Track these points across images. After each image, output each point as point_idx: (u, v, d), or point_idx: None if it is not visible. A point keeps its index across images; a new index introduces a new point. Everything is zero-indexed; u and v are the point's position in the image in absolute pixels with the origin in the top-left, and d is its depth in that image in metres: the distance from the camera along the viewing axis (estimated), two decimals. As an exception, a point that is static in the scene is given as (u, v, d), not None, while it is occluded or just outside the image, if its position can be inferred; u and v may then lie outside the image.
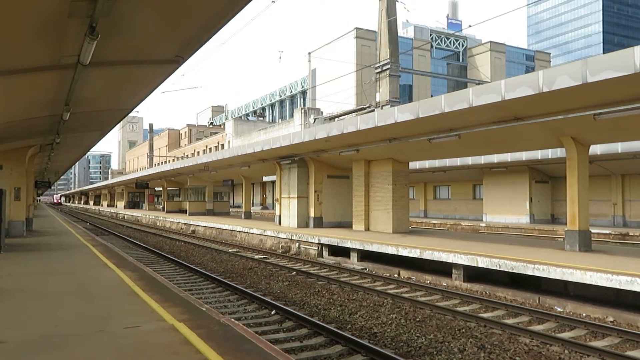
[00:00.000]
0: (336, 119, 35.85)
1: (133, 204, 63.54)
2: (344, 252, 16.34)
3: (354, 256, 15.80)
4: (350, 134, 16.54)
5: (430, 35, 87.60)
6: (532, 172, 28.91)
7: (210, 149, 73.59)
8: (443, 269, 12.73)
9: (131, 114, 16.88)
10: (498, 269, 11.08)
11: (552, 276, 9.97)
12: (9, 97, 9.70)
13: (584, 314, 9.36)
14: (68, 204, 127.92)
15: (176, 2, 5.75)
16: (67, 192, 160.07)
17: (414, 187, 37.86)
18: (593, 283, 9.23)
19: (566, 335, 8.10)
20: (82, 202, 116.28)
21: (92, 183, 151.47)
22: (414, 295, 11.14)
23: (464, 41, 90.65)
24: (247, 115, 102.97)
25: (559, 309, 9.77)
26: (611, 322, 8.84)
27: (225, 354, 4.91)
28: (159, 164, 77.10)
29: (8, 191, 17.21)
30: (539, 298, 10.37)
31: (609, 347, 7.43)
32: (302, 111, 48.31)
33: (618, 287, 8.83)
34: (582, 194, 12.99)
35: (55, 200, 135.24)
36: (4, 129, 13.22)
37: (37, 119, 12.80)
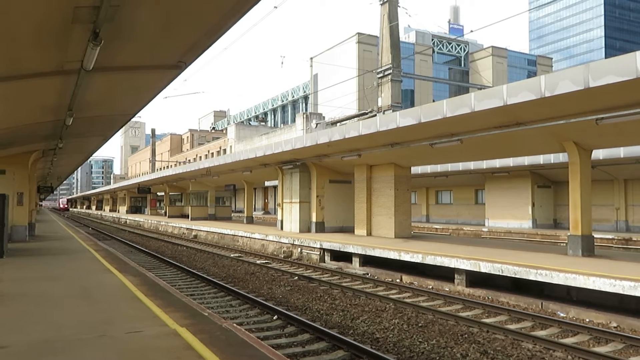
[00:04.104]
0: (338, 124, 35.92)
1: (135, 209, 63.60)
2: (346, 257, 16.31)
3: (356, 261, 15.78)
4: (352, 139, 16.56)
5: (432, 40, 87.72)
6: (535, 177, 28.87)
7: (213, 153, 73.68)
8: (445, 274, 12.69)
9: (134, 119, 16.94)
10: (500, 274, 11.05)
11: (555, 281, 9.93)
12: (13, 102, 9.75)
13: (587, 320, 9.32)
14: (70, 209, 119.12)
15: (179, 8, 5.78)
16: (70, 196, 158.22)
17: (416, 192, 37.83)
18: (596, 288, 9.19)
19: (569, 340, 8.06)
20: (85, 207, 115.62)
21: (94, 188, 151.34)
22: (416, 301, 11.11)
23: (465, 46, 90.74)
24: (249, 120, 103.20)
25: (562, 315, 9.74)
26: (615, 327, 8.80)
27: (228, 359, 4.90)
28: (161, 168, 77.34)
29: (11, 196, 17.24)
30: (541, 303, 10.33)
31: (612, 353, 7.38)
32: (304, 116, 48.38)
33: (621, 292, 8.79)
34: (585, 199, 12.96)
35: (60, 206, 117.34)
36: (7, 134, 13.28)
37: (40, 124, 12.85)
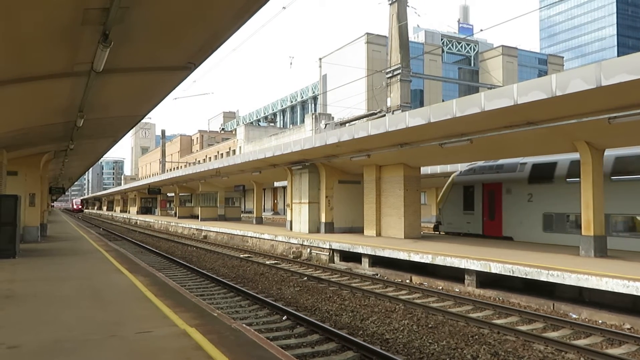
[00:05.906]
0: (347, 124, 35.85)
1: (145, 210, 64.04)
2: (355, 257, 16.28)
3: (365, 262, 15.74)
4: (361, 139, 16.51)
5: (442, 39, 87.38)
6: (546, 177, 28.53)
7: (222, 154, 73.99)
8: (455, 274, 12.62)
9: (144, 120, 17.03)
10: (511, 274, 10.95)
11: (567, 282, 9.82)
12: (24, 104, 9.85)
13: (600, 321, 9.21)
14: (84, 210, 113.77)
15: (188, 9, 5.80)
16: (81, 197, 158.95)
17: (426, 192, 37.66)
18: (609, 290, 9.07)
19: (582, 342, 7.97)
20: (96, 207, 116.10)
21: (105, 189, 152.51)
22: (426, 301, 11.05)
23: (475, 45, 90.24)
24: (259, 121, 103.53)
25: (574, 316, 9.63)
26: (628, 329, 8.68)
27: (237, 360, 4.90)
28: (171, 169, 77.76)
29: (23, 197, 17.43)
30: (553, 304, 10.23)
31: (626, 355, 7.29)
32: (313, 117, 48.41)
33: (635, 293, 8.67)
34: (597, 199, 12.82)
35: (74, 207, 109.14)
36: (19, 136, 13.41)
37: (51, 126, 12.97)
